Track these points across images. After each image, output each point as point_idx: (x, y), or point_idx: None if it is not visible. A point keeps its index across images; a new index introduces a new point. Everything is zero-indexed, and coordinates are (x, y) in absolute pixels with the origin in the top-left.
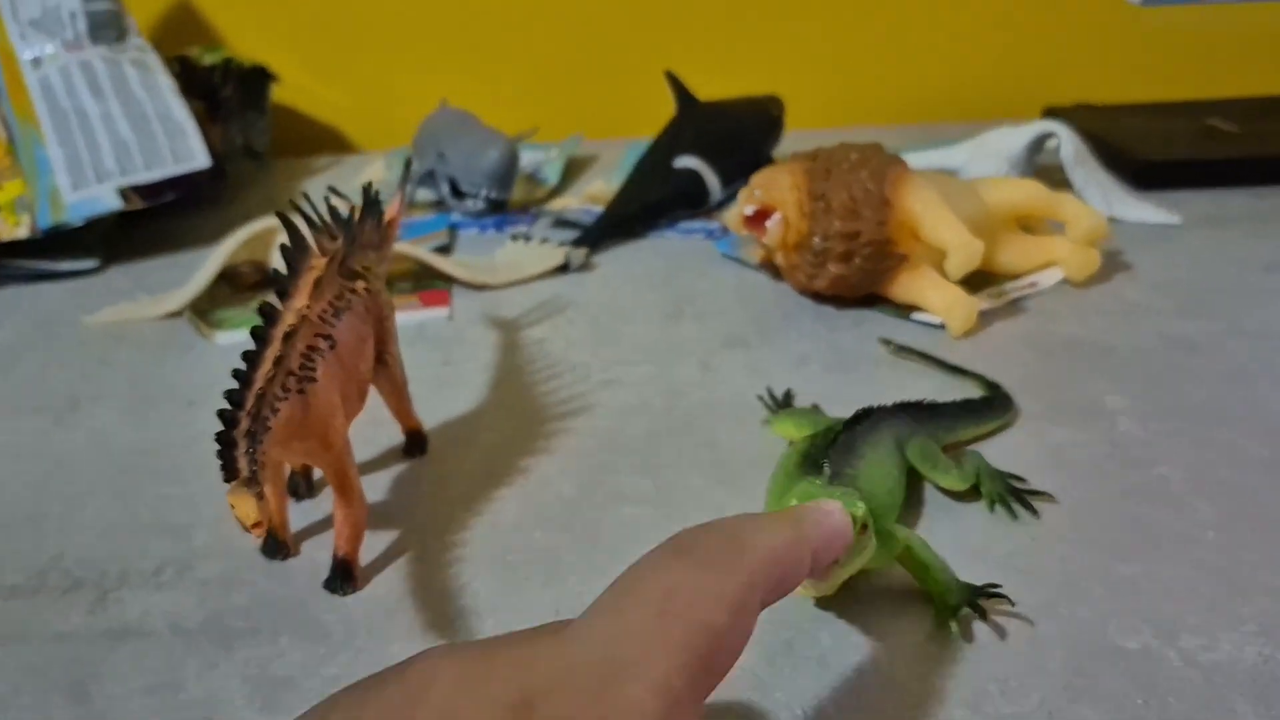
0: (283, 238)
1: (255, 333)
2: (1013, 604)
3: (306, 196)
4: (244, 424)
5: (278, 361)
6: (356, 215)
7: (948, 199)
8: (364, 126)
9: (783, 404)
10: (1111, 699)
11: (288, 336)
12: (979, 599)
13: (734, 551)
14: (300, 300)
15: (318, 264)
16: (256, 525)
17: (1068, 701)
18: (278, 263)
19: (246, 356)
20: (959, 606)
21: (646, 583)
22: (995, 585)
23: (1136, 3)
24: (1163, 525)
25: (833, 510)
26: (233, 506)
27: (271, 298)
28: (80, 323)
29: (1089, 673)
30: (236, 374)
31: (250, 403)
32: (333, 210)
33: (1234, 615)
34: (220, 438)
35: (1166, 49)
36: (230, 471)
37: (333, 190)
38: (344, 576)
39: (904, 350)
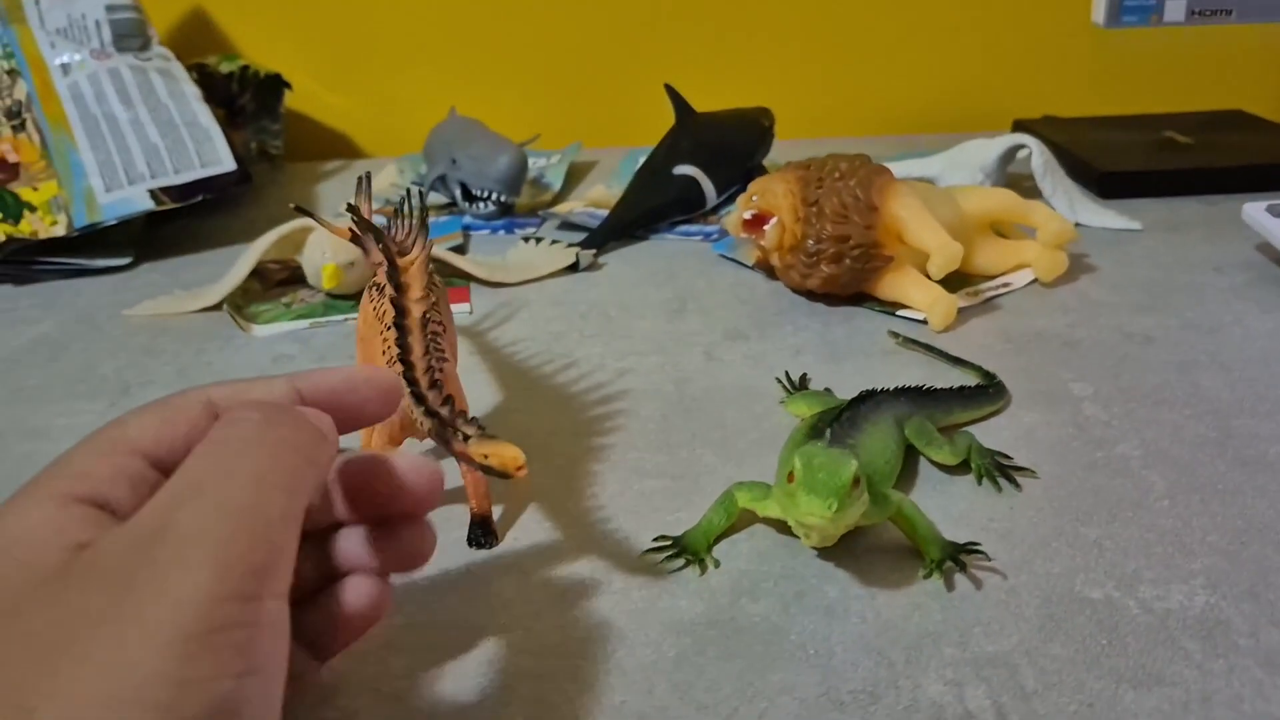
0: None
1: (396, 323)
2: (989, 559)
3: (353, 208)
4: (433, 399)
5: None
6: (417, 214)
7: (929, 205)
8: (372, 132)
9: (799, 386)
10: (1079, 639)
11: (422, 321)
12: (960, 554)
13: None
14: (416, 292)
15: (417, 255)
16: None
17: (1041, 641)
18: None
19: (400, 344)
20: (943, 560)
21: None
22: (975, 543)
23: (1099, 24)
24: (1122, 495)
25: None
26: (487, 456)
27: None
28: (120, 316)
29: (1059, 618)
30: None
31: (425, 378)
32: (400, 206)
33: (1184, 570)
34: (430, 413)
35: (1126, 66)
36: (454, 436)
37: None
38: (485, 530)
39: (911, 342)
